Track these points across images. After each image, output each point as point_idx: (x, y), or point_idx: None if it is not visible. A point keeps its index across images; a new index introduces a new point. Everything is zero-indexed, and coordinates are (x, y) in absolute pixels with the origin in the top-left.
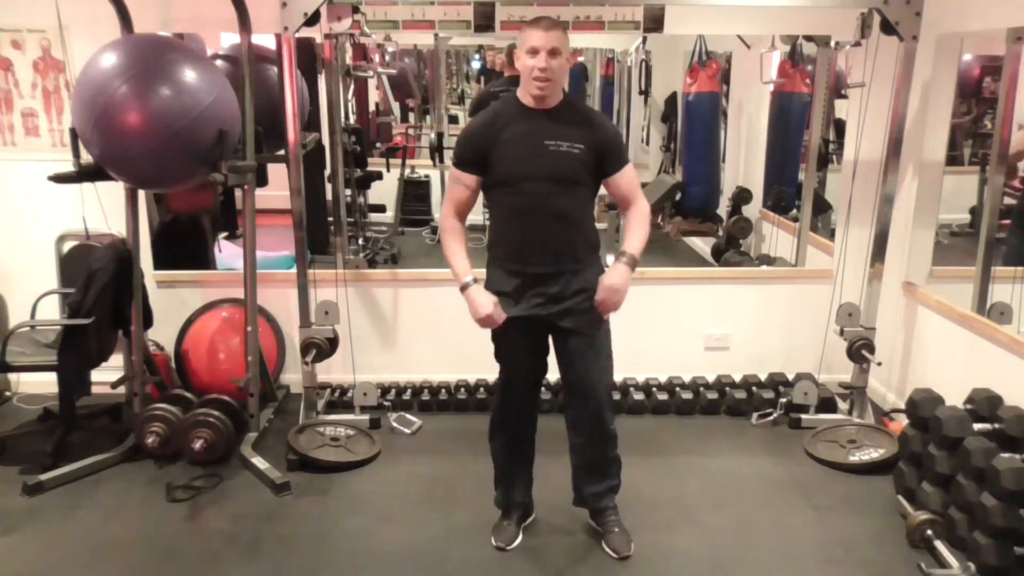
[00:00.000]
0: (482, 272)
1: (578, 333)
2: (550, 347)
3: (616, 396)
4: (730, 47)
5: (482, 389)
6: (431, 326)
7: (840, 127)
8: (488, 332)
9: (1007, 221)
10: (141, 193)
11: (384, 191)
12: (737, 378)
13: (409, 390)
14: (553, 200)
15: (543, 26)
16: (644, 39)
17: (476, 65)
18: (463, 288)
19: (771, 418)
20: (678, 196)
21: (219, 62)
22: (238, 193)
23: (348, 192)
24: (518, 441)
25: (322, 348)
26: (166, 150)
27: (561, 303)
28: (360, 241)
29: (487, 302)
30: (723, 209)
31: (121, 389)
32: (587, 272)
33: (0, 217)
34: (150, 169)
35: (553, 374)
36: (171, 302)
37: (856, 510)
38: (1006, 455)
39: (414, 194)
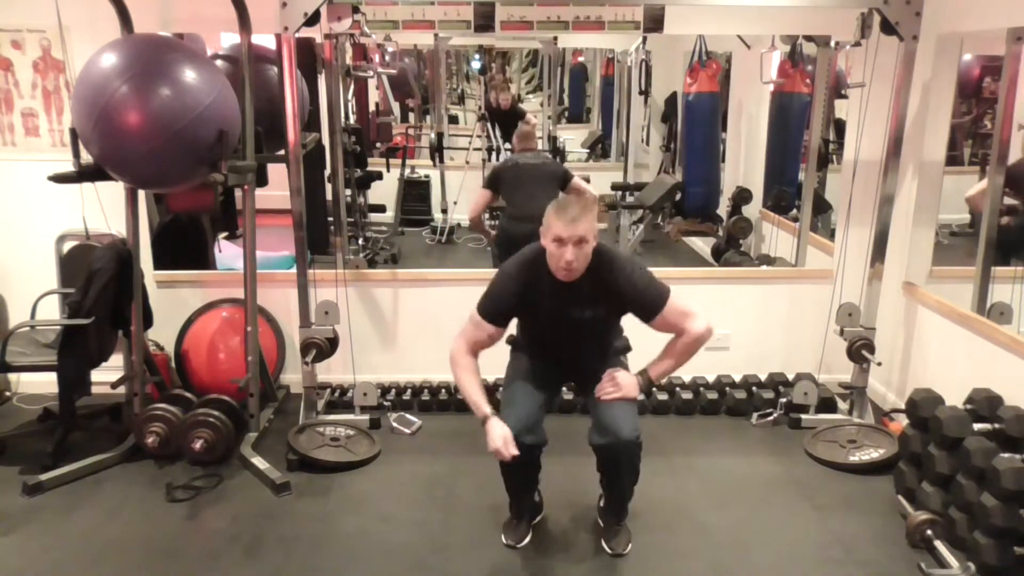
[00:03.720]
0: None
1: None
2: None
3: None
4: (730, 47)
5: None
6: (431, 326)
7: (840, 127)
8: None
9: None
10: (141, 193)
11: (384, 191)
12: (737, 378)
13: (409, 390)
14: (576, 346)
15: (568, 217)
16: (644, 39)
17: (476, 65)
18: (483, 421)
19: (771, 418)
20: (678, 196)
21: (219, 62)
22: (238, 193)
23: (348, 192)
24: (522, 471)
25: (322, 348)
26: (166, 150)
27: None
28: (360, 241)
29: (500, 436)
30: (723, 209)
31: (121, 389)
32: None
33: (0, 217)
34: (150, 169)
35: None
36: (171, 302)
37: (856, 510)
38: (1006, 455)
39: (414, 194)
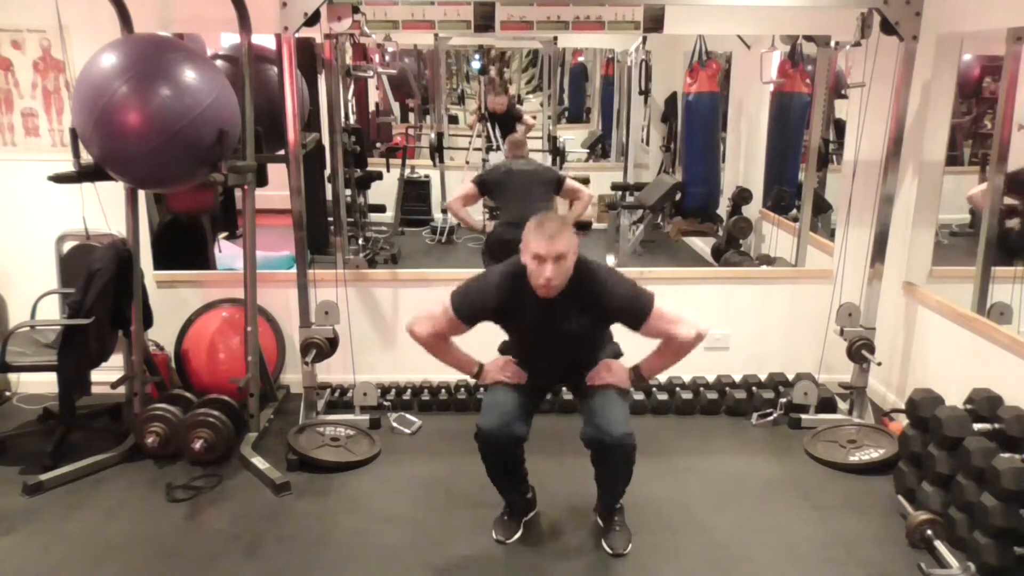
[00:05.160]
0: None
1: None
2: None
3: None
4: (730, 47)
5: (482, 389)
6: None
7: (840, 127)
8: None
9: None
10: (141, 193)
11: (384, 191)
12: (737, 378)
13: (409, 390)
14: (560, 351)
15: (547, 234)
16: (644, 39)
17: (476, 65)
18: (477, 374)
19: (771, 418)
20: (678, 196)
21: (219, 62)
22: (238, 193)
23: (348, 192)
24: (502, 465)
25: (322, 348)
26: (166, 150)
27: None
28: (360, 241)
29: (498, 367)
30: (723, 209)
31: (121, 389)
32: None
33: (0, 217)
34: (150, 169)
35: None
36: (171, 302)
37: (856, 510)
38: (1006, 455)
39: (414, 194)
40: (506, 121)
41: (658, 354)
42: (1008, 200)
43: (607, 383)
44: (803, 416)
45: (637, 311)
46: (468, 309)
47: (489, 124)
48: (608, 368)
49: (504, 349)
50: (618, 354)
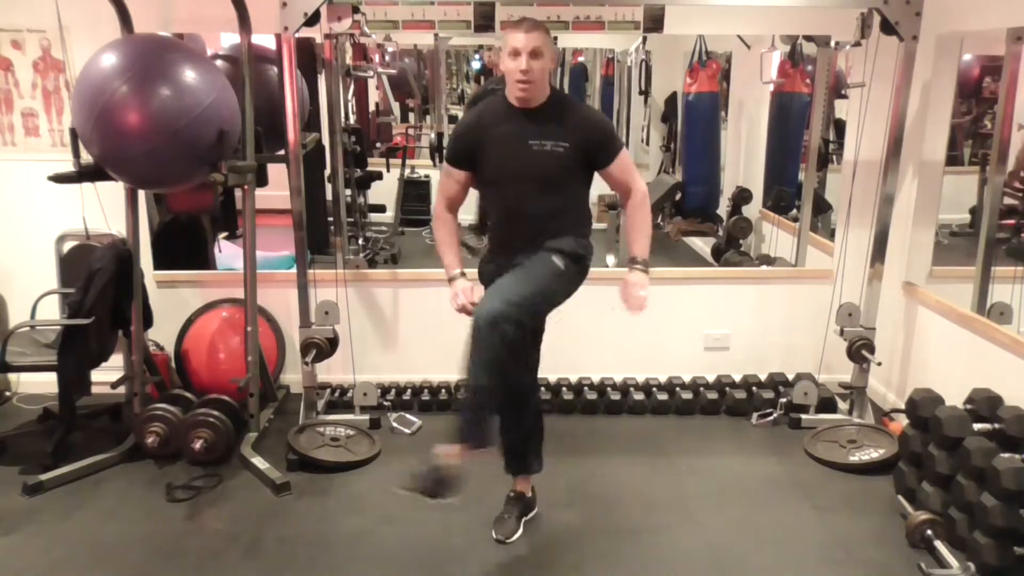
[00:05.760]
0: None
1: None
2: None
3: (616, 396)
4: (730, 47)
5: None
6: (431, 326)
7: (840, 127)
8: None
9: (1010, 221)
10: (141, 193)
11: (384, 191)
12: (737, 378)
13: (409, 390)
14: (539, 201)
15: (524, 28)
16: (644, 39)
17: (476, 65)
18: (450, 280)
19: (771, 418)
20: (678, 196)
21: (219, 62)
22: (238, 193)
23: (348, 192)
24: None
25: (322, 348)
26: (166, 150)
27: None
28: (360, 241)
29: (460, 289)
30: (723, 209)
31: (121, 389)
32: (564, 237)
33: (0, 217)
34: (150, 169)
35: (552, 373)
36: (171, 302)
37: (856, 510)
38: (1006, 455)
39: (414, 194)
40: None
41: (637, 228)
42: (1009, 201)
43: (642, 298)
44: (803, 416)
45: (611, 141)
46: (453, 144)
47: None
48: (633, 284)
49: (480, 268)
50: (589, 248)
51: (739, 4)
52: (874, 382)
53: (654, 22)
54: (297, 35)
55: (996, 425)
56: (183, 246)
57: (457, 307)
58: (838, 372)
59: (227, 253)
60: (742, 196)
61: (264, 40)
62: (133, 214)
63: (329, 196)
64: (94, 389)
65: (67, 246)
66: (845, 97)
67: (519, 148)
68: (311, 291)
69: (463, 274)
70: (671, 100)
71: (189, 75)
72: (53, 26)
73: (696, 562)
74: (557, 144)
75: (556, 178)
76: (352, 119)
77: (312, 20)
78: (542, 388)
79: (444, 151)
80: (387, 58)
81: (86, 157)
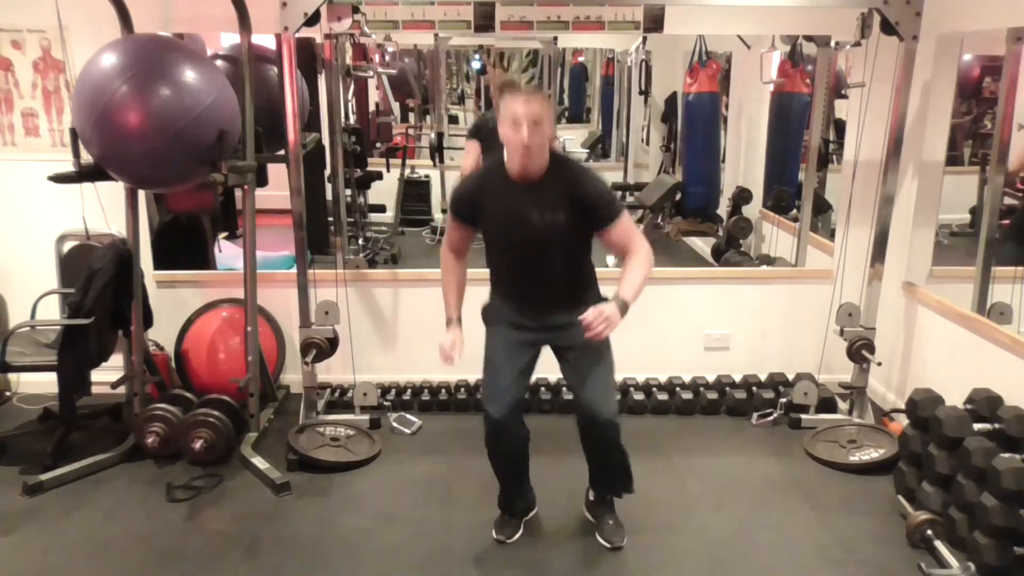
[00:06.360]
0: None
1: (575, 347)
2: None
3: (616, 396)
4: (730, 47)
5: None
6: (431, 326)
7: (840, 127)
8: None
9: (1006, 221)
10: (141, 193)
11: (384, 191)
12: (737, 378)
13: (409, 390)
14: (539, 261)
15: (523, 97)
16: (644, 39)
17: (476, 65)
18: (447, 323)
19: (771, 418)
20: (678, 196)
21: (219, 62)
22: (238, 193)
23: (348, 192)
24: (511, 456)
25: (322, 348)
26: (166, 150)
27: (554, 331)
28: (360, 241)
29: (449, 340)
30: (723, 209)
31: (121, 389)
32: (581, 308)
33: (0, 217)
34: (150, 169)
35: (552, 373)
36: (171, 302)
37: (856, 510)
38: (1006, 455)
39: (414, 194)
40: None
41: (633, 268)
42: (1009, 200)
43: (603, 326)
44: (803, 416)
45: (611, 206)
46: (457, 202)
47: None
48: (599, 311)
49: (484, 313)
50: (602, 298)
51: (739, 4)
52: (874, 382)
53: (654, 22)
54: (297, 35)
55: (996, 425)
56: (183, 246)
57: (442, 358)
58: (838, 372)
59: (227, 253)
60: (742, 196)
61: (264, 40)
62: (133, 214)
63: (329, 196)
64: (94, 389)
65: (67, 246)
66: (845, 97)
67: (519, 221)
68: (311, 291)
69: (459, 319)
70: (671, 100)
71: (189, 75)
72: (53, 26)
73: (696, 562)
74: (556, 215)
75: (558, 245)
76: (352, 119)
77: (312, 20)
78: (542, 388)
79: (448, 204)
80: (387, 58)
81: (86, 157)
